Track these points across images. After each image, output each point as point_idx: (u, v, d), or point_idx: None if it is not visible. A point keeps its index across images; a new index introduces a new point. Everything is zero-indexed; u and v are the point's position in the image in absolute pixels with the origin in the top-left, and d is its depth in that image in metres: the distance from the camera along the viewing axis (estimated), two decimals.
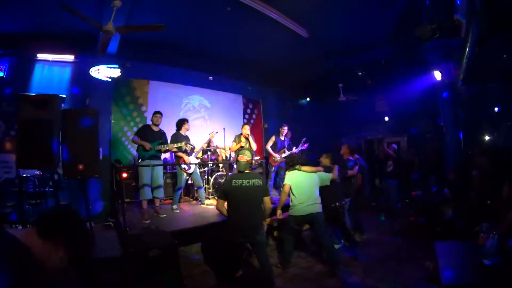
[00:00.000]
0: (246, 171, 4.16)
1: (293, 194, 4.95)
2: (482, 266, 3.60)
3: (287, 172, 5.24)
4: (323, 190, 5.11)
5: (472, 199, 5.16)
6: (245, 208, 3.93)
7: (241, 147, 6.69)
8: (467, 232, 4.51)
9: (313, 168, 5.21)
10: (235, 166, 7.88)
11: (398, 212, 7.99)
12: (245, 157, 4.15)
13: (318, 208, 4.90)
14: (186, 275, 4.27)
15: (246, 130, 6.89)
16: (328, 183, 5.27)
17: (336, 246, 5.43)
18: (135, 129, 7.78)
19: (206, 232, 4.25)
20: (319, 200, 4.95)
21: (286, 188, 4.98)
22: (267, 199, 4.17)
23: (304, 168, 5.14)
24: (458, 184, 6.15)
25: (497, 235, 3.74)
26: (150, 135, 6.29)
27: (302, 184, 4.95)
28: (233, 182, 3.98)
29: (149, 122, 7.12)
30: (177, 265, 4.02)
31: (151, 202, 6.39)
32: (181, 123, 6.93)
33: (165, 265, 3.83)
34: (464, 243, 4.14)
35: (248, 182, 3.96)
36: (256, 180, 4.04)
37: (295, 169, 5.14)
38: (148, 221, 5.81)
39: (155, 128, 6.43)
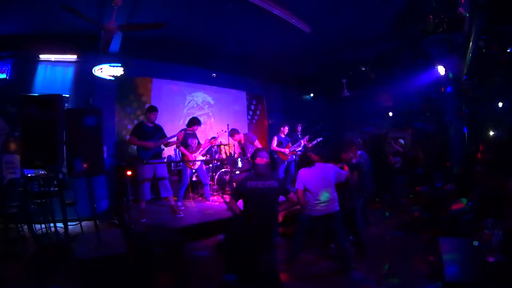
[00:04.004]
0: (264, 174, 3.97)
1: (308, 194, 4.76)
2: (486, 263, 3.59)
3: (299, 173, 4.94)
4: (338, 189, 4.91)
5: (477, 195, 5.13)
6: (259, 210, 3.83)
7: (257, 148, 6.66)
8: (471, 228, 4.50)
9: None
10: (239, 164, 7.94)
11: (402, 207, 7.99)
12: (264, 159, 3.93)
13: (336, 207, 4.75)
14: (191, 272, 4.29)
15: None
16: (343, 180, 5.02)
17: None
18: None
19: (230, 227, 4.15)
20: (336, 198, 4.80)
21: (300, 194, 4.75)
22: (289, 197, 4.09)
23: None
24: (464, 179, 6.11)
25: (501, 232, 3.72)
26: (147, 133, 6.01)
27: (317, 183, 4.74)
28: (247, 184, 3.81)
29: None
30: (182, 262, 4.04)
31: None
32: (193, 123, 6.88)
33: (170, 262, 3.86)
34: (469, 239, 4.13)
35: (264, 184, 3.78)
36: (272, 181, 3.86)
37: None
38: (145, 219, 5.76)
39: (150, 124, 6.12)
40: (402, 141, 8.90)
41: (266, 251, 3.92)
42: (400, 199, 8.32)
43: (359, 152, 6.33)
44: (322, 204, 4.70)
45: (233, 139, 7.76)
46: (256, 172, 3.96)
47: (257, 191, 3.79)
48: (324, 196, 4.72)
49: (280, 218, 6.15)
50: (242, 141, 7.55)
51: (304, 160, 5.06)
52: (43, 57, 6.90)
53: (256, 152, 4.07)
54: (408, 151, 9.21)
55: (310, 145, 8.54)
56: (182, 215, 6.12)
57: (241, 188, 3.88)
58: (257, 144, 7.13)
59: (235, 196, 4.00)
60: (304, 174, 4.83)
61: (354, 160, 5.95)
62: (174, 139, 6.25)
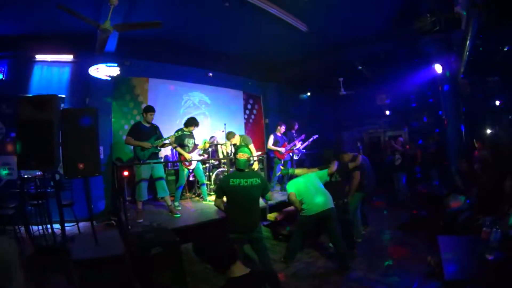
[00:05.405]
0: (246, 170, 4.03)
1: (302, 197, 4.84)
2: (485, 261, 3.58)
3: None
4: (331, 188, 5.05)
5: (475, 192, 5.13)
6: (242, 207, 3.86)
7: (240, 145, 6.68)
8: (470, 226, 4.50)
9: (305, 169, 5.29)
10: None
11: (402, 205, 8.00)
12: (245, 154, 4.02)
13: (330, 203, 4.81)
14: (188, 272, 4.28)
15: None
16: (328, 178, 5.16)
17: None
18: None
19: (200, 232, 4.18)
20: (329, 195, 4.87)
21: (292, 196, 4.88)
22: (268, 196, 4.12)
23: (297, 171, 5.27)
24: (463, 176, 6.09)
25: (500, 230, 3.71)
26: (144, 133, 5.94)
27: (306, 185, 4.89)
28: (230, 181, 3.87)
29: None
30: (180, 263, 4.02)
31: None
32: (191, 123, 6.81)
33: (168, 263, 3.84)
34: (467, 237, 4.13)
35: (246, 182, 3.85)
36: (255, 179, 3.92)
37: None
38: (142, 220, 5.70)
39: (147, 124, 6.06)
40: (401, 139, 8.91)
41: (252, 244, 3.96)
42: (399, 197, 8.36)
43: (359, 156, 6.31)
44: (317, 203, 4.75)
45: (229, 142, 7.76)
46: (237, 168, 4.00)
47: (240, 188, 3.82)
48: (318, 195, 4.80)
49: (278, 218, 6.20)
50: (237, 144, 7.56)
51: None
52: (39, 57, 6.86)
53: (237, 148, 4.12)
54: (407, 150, 9.24)
55: (307, 143, 8.52)
56: (180, 215, 6.10)
57: (224, 186, 3.91)
58: (252, 147, 7.11)
59: (219, 193, 4.02)
60: (294, 184, 4.99)
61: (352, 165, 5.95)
62: (168, 140, 6.22)
